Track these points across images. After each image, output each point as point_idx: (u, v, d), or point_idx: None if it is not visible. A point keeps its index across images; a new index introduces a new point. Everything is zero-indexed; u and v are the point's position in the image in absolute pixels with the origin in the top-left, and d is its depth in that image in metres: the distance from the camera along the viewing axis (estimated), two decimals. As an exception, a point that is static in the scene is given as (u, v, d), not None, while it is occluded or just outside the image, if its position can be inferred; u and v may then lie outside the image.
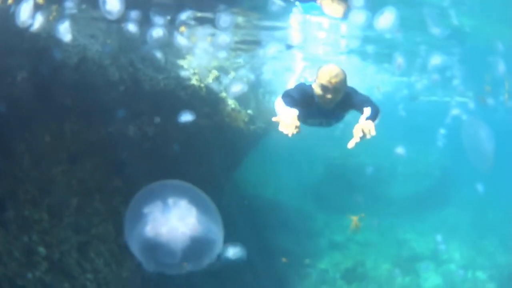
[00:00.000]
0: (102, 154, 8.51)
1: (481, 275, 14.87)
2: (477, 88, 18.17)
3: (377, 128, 4.65)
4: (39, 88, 7.28)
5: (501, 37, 11.25)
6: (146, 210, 4.43)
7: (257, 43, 12.06)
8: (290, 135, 4.55)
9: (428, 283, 14.62)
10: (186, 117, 7.98)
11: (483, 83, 16.23)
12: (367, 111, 5.17)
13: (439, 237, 16.15)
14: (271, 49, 12.65)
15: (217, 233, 4.79)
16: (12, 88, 7.02)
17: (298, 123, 4.65)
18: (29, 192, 7.48)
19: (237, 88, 11.02)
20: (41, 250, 7.33)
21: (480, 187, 18.23)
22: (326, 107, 5.44)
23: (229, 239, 8.79)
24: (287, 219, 15.99)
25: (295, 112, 4.80)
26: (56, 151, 7.90)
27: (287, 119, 4.62)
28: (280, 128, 4.62)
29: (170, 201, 4.55)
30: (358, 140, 4.64)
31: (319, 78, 5.21)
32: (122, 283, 8.40)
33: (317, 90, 5.26)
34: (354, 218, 11.57)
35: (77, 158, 8.19)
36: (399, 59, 13.79)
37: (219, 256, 5.91)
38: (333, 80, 5.12)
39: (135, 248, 4.53)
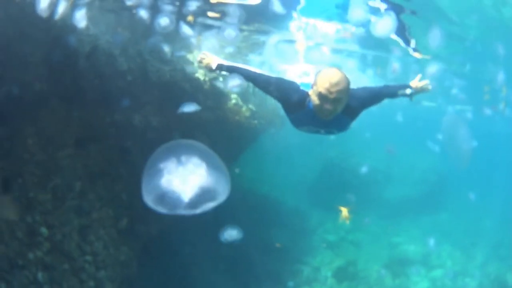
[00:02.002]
0: (107, 141, 8.69)
1: (470, 282, 14.99)
2: (476, 98, 18.34)
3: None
4: (51, 74, 7.43)
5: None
6: (161, 164, 4.99)
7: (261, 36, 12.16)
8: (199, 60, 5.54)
9: (417, 287, 14.72)
10: (190, 107, 8.06)
11: (482, 93, 16.41)
12: (397, 92, 5.08)
13: (431, 242, 16.29)
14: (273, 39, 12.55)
15: (223, 183, 5.23)
16: (25, 73, 7.16)
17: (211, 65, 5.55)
18: (34, 174, 7.63)
19: (235, 82, 10.91)
20: (44, 230, 7.49)
21: (474, 194, 18.43)
22: (323, 118, 4.68)
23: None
24: (282, 216, 16.18)
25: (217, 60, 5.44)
26: (63, 136, 8.05)
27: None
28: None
29: (183, 157, 5.12)
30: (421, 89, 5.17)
31: (317, 85, 4.48)
32: (119, 266, 8.58)
33: (314, 99, 4.54)
34: (344, 210, 11.67)
35: (83, 144, 8.34)
36: (395, 64, 13.91)
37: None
38: (334, 89, 4.37)
39: (151, 198, 4.97)
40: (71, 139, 8.19)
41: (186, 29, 9.91)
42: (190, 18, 9.71)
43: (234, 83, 11.01)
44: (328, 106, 4.46)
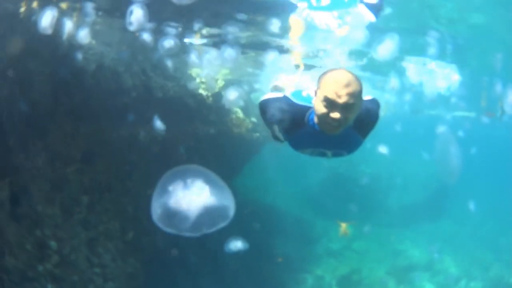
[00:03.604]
0: (113, 155, 8.85)
1: (474, 286, 15.05)
2: (475, 104, 18.48)
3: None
4: (58, 92, 7.65)
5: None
6: (170, 187, 5.16)
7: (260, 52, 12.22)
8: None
9: None
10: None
11: (480, 99, 16.55)
12: None
13: (434, 248, 16.31)
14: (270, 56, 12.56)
15: (227, 205, 5.37)
16: (32, 91, 7.36)
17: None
18: (42, 189, 7.79)
19: (233, 95, 11.00)
20: (53, 244, 7.64)
21: (476, 200, 18.48)
22: (330, 133, 3.64)
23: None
24: (285, 226, 16.28)
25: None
26: (70, 151, 8.22)
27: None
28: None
29: (189, 180, 5.27)
30: None
31: (322, 89, 3.47)
32: (126, 278, 8.76)
33: (319, 108, 3.51)
34: (343, 225, 11.75)
35: (89, 158, 8.50)
36: (393, 80, 14.02)
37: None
38: (343, 92, 3.37)
39: (159, 217, 5.21)
40: (78, 154, 8.37)
41: (192, 56, 10.01)
42: (197, 36, 9.86)
43: (232, 96, 11.22)
44: (336, 115, 3.42)
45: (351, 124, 3.70)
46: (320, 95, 3.48)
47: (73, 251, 7.93)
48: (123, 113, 8.67)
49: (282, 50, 11.03)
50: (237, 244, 8.51)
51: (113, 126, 8.80)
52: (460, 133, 21.18)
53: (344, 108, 3.41)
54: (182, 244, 10.27)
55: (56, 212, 7.91)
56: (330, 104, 3.42)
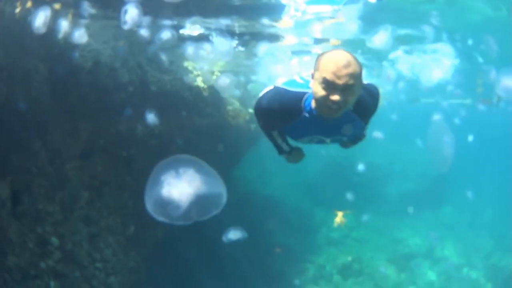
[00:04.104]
0: (112, 151, 8.91)
1: (475, 274, 15.14)
2: (471, 91, 18.52)
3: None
4: (55, 90, 7.66)
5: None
6: (162, 177, 5.21)
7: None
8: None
9: (422, 280, 14.86)
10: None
11: (475, 85, 16.58)
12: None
13: (434, 236, 16.41)
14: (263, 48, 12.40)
15: (217, 193, 5.42)
16: (31, 89, 7.38)
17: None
18: (43, 186, 7.82)
19: (224, 82, 10.93)
20: (54, 240, 7.69)
21: (475, 187, 18.53)
22: (329, 116, 3.48)
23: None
24: (285, 216, 16.35)
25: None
26: (69, 148, 8.26)
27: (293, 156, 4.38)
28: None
29: (181, 169, 5.31)
30: None
31: (320, 70, 3.32)
32: (128, 272, 8.82)
33: (317, 91, 3.35)
34: (339, 214, 11.77)
35: (89, 155, 8.56)
36: (389, 71, 14.01)
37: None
38: (343, 72, 3.22)
39: (152, 207, 5.28)
40: (77, 151, 8.41)
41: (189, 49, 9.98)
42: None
43: (223, 83, 11.15)
44: (336, 97, 3.26)
45: (351, 108, 3.58)
46: (318, 77, 3.33)
47: (75, 247, 7.98)
48: (121, 109, 8.70)
49: (275, 38, 11.04)
50: (237, 236, 8.57)
51: (111, 121, 8.83)
52: (457, 120, 21.22)
53: (344, 89, 3.26)
54: (182, 237, 10.34)
55: (57, 209, 7.95)
56: (329, 86, 3.26)
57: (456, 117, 21.47)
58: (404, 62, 13.98)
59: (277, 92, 3.82)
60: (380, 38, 8.77)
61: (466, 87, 17.71)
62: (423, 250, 16.33)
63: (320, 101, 3.36)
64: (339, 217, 11.92)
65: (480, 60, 13.25)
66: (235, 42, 10.83)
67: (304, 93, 3.70)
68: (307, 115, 3.68)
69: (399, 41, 10.94)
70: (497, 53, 11.63)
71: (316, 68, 3.39)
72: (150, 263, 9.73)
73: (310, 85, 3.49)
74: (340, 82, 3.22)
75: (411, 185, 20.52)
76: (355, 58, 3.31)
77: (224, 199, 5.37)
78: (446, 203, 20.14)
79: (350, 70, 3.22)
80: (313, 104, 3.55)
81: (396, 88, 18.96)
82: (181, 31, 9.79)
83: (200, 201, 5.27)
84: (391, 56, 13.28)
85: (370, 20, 8.89)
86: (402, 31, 9.86)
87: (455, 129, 19.27)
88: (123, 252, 8.81)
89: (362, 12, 8.61)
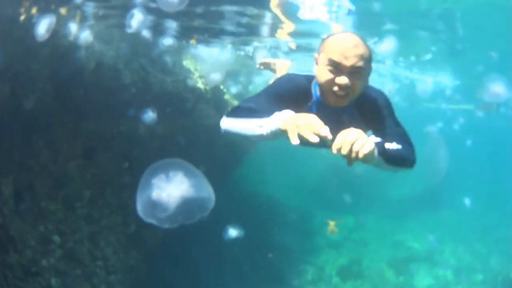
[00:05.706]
0: (114, 150, 8.97)
1: (475, 278, 14.99)
2: (471, 96, 18.52)
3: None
4: (59, 90, 7.76)
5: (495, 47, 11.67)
6: (153, 180, 5.34)
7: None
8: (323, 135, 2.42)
9: (421, 283, 14.74)
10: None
11: (475, 91, 16.57)
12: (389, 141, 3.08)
13: (434, 239, 16.34)
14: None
15: (205, 197, 5.53)
16: (35, 90, 7.49)
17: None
18: (46, 185, 7.92)
19: (216, 76, 10.95)
20: (56, 238, 7.80)
21: (474, 192, 18.49)
22: (336, 105, 3.08)
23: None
24: (286, 217, 16.35)
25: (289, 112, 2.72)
26: (72, 147, 8.34)
27: (303, 120, 2.52)
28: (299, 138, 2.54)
29: (171, 173, 5.43)
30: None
31: (326, 52, 2.97)
32: (128, 270, 8.91)
33: (322, 75, 2.97)
34: (331, 223, 11.80)
35: (91, 154, 8.64)
36: (389, 87, 13.98)
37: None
38: (351, 53, 2.87)
39: (142, 209, 5.41)
40: (79, 150, 8.49)
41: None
42: (193, 41, 9.86)
43: (215, 77, 11.06)
44: (343, 80, 2.89)
45: (354, 102, 3.18)
46: (324, 59, 2.97)
47: (76, 245, 8.07)
48: (123, 109, 8.77)
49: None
50: (238, 236, 8.64)
51: (113, 122, 8.91)
52: (457, 126, 21.22)
53: (351, 73, 2.91)
54: (183, 237, 10.40)
55: (59, 207, 8.05)
56: (336, 67, 2.91)
57: (456, 122, 21.48)
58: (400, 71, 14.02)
59: (288, 75, 3.47)
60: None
61: (466, 93, 17.72)
62: (423, 253, 16.26)
63: (325, 86, 3.00)
64: (331, 226, 11.92)
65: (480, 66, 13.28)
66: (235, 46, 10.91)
67: (314, 76, 3.25)
68: (314, 103, 3.26)
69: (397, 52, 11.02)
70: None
71: (321, 50, 3.05)
72: (150, 262, 9.78)
73: (314, 70, 3.15)
74: (348, 63, 2.88)
75: (411, 188, 20.50)
76: (365, 41, 3.00)
77: (211, 203, 5.48)
78: (446, 206, 20.08)
79: (359, 51, 2.90)
80: (318, 91, 3.19)
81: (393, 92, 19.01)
82: (185, 33, 9.89)
83: (187, 205, 5.37)
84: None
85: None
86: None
87: (455, 134, 19.27)
88: (123, 250, 8.89)
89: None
